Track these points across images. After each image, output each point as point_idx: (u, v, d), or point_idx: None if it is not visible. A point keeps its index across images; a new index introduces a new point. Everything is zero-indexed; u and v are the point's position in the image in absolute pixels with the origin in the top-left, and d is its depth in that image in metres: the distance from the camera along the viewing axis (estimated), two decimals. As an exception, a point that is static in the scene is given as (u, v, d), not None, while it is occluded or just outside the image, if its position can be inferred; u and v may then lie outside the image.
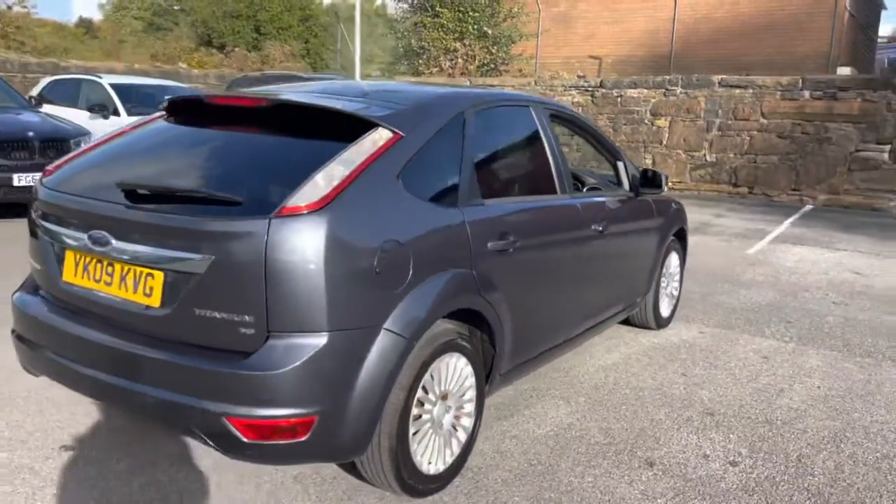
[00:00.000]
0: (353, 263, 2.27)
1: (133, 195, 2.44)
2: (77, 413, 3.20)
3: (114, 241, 2.39)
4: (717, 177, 12.44)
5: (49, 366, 2.69)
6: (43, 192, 2.74)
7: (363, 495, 2.65)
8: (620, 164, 4.20)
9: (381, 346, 2.34)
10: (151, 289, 2.34)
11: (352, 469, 2.70)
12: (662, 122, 12.89)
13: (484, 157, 3.06)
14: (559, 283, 3.42)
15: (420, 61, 19.38)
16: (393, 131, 2.51)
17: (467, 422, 2.81)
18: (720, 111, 12.31)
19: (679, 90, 12.70)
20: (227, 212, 2.26)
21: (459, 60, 18.71)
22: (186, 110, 3.04)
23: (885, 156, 11.03)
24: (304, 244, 2.16)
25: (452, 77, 17.67)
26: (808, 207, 11.40)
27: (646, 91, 13.03)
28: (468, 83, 15.69)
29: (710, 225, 9.54)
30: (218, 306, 2.22)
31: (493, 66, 18.72)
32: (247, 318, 2.19)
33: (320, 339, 2.21)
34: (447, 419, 2.71)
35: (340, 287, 2.22)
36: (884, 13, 23.71)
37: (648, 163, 13.01)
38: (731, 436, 3.25)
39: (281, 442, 2.23)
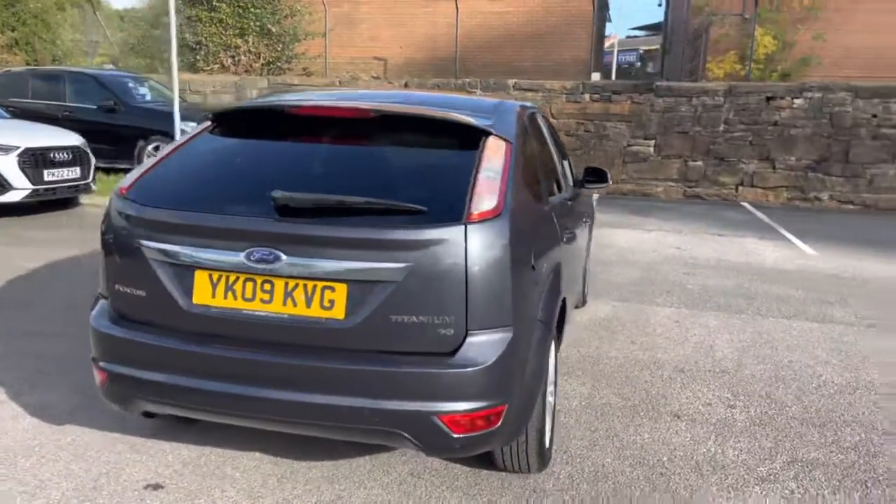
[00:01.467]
0: (523, 261, 2.54)
1: (288, 209, 2.43)
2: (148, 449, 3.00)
3: (284, 258, 2.38)
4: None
5: (172, 395, 2.55)
6: (149, 211, 2.57)
7: (487, 482, 2.92)
8: (566, 162, 4.78)
9: (537, 335, 2.64)
10: (332, 301, 2.38)
11: (464, 460, 2.92)
12: (465, 122, 13.84)
13: (539, 158, 3.42)
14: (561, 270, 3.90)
15: (198, 57, 18.40)
16: (505, 140, 2.77)
17: (551, 398, 3.18)
18: (516, 112, 13.57)
19: (479, 93, 13.73)
20: (416, 220, 2.38)
21: (243, 58, 18.13)
22: (267, 119, 2.98)
23: (651, 149, 13.07)
24: (494, 246, 2.38)
25: (237, 74, 17.10)
26: (596, 196, 13.10)
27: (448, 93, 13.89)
28: (266, 83, 15.38)
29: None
30: (416, 311, 2.34)
31: (277, 64, 18.41)
32: (447, 318, 2.35)
33: (508, 334, 2.45)
34: (550, 396, 3.06)
35: (518, 283, 2.48)
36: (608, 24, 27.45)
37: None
38: (711, 386, 4.00)
39: (480, 433, 2.43)
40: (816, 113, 12.29)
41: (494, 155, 2.65)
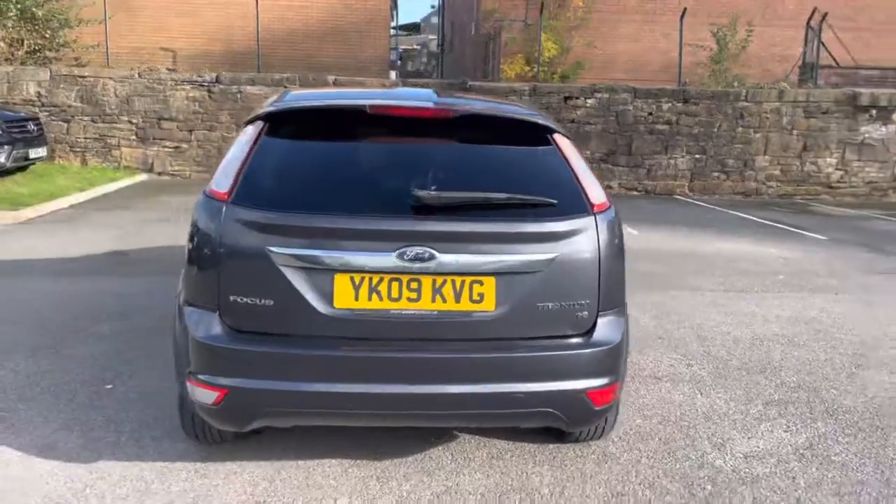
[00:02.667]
0: (624, 247, 2.87)
1: (429, 207, 2.51)
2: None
3: (438, 255, 2.47)
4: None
5: (310, 403, 2.53)
6: (280, 217, 2.51)
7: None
8: None
9: (624, 313, 2.98)
10: (481, 295, 2.53)
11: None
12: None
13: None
14: None
15: (-58, 43, 15.74)
16: (566, 136, 3.07)
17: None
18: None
19: (296, 88, 13.53)
20: (550, 212, 2.61)
21: (2, 44, 15.88)
22: (338, 119, 2.95)
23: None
24: (613, 233, 2.71)
25: (-2, 63, 14.98)
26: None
27: (266, 88, 13.49)
28: (47, 74, 13.72)
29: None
30: (559, 297, 2.59)
31: (44, 53, 16.39)
32: (584, 302, 2.63)
33: (623, 313, 2.79)
34: None
35: (624, 267, 2.82)
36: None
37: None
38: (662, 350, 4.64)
39: (608, 405, 2.75)
40: (605, 111, 13.97)
41: (570, 150, 2.93)
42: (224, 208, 2.55)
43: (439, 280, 2.51)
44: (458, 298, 2.52)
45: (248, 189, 2.59)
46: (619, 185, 14.04)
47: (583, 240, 2.60)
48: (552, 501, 2.80)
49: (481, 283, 2.53)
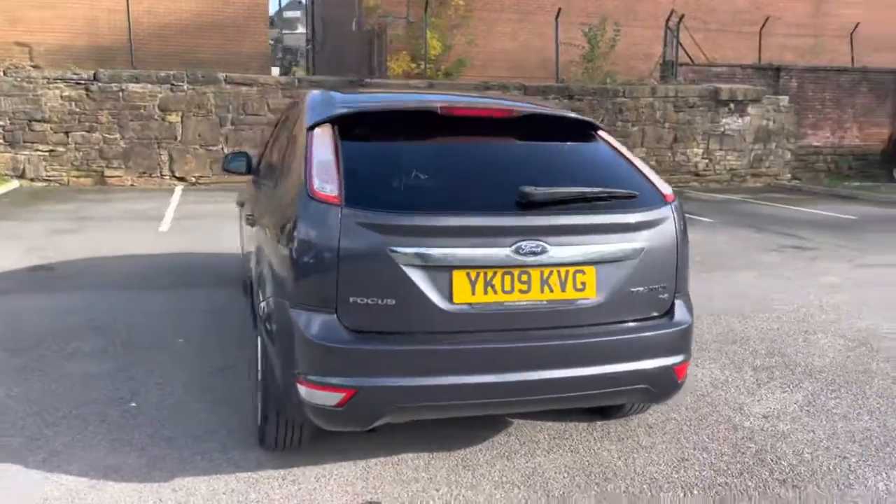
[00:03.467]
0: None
1: (533, 203, 2.67)
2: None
3: (549, 248, 2.64)
4: (237, 168, 13.34)
5: (436, 396, 2.62)
6: (402, 217, 2.58)
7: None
8: None
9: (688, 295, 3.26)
10: (584, 283, 2.73)
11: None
12: (174, 118, 12.94)
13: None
14: None
15: None
16: (607, 131, 3.34)
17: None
18: (230, 107, 13.16)
19: (186, 86, 12.95)
20: (635, 204, 2.84)
21: None
22: (408, 119, 3.06)
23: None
24: (684, 221, 2.99)
25: None
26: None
27: (150, 86, 12.80)
28: None
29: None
30: (648, 282, 2.84)
31: None
32: (665, 285, 2.90)
33: (687, 297, 3.07)
34: None
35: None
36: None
37: (165, 159, 12.93)
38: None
39: (685, 378, 3.02)
40: (498, 108, 14.46)
41: (619, 145, 3.20)
42: (340, 211, 2.56)
43: (546, 271, 2.67)
44: (563, 288, 2.70)
45: (358, 191, 2.62)
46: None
47: (665, 228, 2.86)
48: (630, 471, 3.05)
49: (583, 273, 2.72)
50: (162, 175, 13.02)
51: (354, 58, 19.61)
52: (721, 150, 15.80)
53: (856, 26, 20.29)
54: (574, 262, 2.70)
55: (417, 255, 2.55)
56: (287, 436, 2.98)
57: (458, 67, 17.62)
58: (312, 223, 2.59)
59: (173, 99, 12.94)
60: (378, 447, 3.17)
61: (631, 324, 2.84)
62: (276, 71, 18.97)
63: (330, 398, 2.58)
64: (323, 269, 2.57)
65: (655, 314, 2.90)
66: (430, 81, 14.50)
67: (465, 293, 2.60)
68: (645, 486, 2.93)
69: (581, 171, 3.04)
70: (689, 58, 18.60)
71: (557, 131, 3.21)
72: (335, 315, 2.58)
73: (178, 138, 13.03)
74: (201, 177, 13.11)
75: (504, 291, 2.64)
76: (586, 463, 3.12)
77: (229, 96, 13.17)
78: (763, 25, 19.80)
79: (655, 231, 2.84)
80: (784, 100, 16.54)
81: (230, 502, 2.76)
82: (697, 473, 3.04)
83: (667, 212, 2.89)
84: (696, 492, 2.89)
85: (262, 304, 2.88)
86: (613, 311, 2.79)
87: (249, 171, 5.09)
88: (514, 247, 2.61)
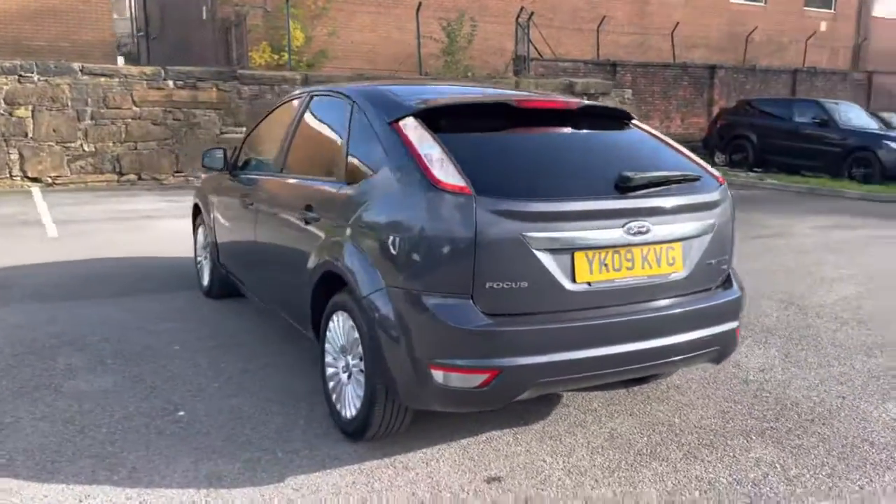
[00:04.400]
0: None
1: (632, 186, 2.93)
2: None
3: (652, 228, 2.92)
4: (101, 166, 12.32)
5: (568, 370, 2.82)
6: (534, 204, 2.73)
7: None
8: None
9: None
10: (674, 259, 3.04)
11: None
12: (24, 112, 11.69)
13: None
14: None
15: None
16: (639, 121, 3.68)
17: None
18: (90, 100, 12.11)
19: (37, 77, 11.74)
20: (702, 186, 3.18)
21: None
22: (488, 113, 3.23)
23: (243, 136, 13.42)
24: (733, 201, 3.38)
25: None
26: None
27: (-5, 76, 11.46)
28: None
29: (158, 212, 10.12)
30: (716, 254, 3.19)
31: None
32: (725, 258, 3.28)
33: (733, 268, 3.48)
34: None
35: None
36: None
37: (14, 158, 11.67)
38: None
39: (739, 340, 3.42)
40: (374, 100, 14.51)
41: (659, 134, 3.55)
42: (474, 200, 2.67)
43: (646, 249, 2.95)
44: (659, 263, 2.99)
45: (484, 181, 2.73)
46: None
47: (726, 206, 3.24)
48: (690, 425, 3.42)
49: (673, 249, 3.03)
50: (12, 176, 11.72)
51: (207, 49, 18.61)
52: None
53: (676, 26, 22.54)
54: (668, 239, 3.00)
55: (547, 239, 2.73)
56: (392, 424, 3.04)
57: (320, 59, 17.40)
58: (446, 213, 2.66)
59: (22, 91, 11.67)
60: (455, 430, 3.29)
61: (706, 293, 3.19)
62: (121, 60, 17.56)
63: (471, 380, 2.69)
64: (459, 256, 2.66)
65: (719, 284, 3.28)
66: (305, 74, 14.24)
67: (585, 272, 2.82)
68: (712, 437, 3.31)
69: (648, 156, 3.33)
70: (539, 53, 19.72)
71: (606, 120, 3.49)
72: (471, 300, 2.69)
73: (30, 135, 11.78)
74: (58, 177, 11.97)
75: (614, 269, 2.88)
76: (650, 422, 3.45)
77: (87, 88, 12.11)
78: (600, 24, 21.44)
79: (721, 209, 3.21)
80: (629, 92, 18.07)
81: (360, 493, 2.79)
82: (743, 422, 3.47)
83: (725, 192, 3.28)
84: (754, 437, 3.32)
85: (368, 296, 2.89)
86: (694, 282, 3.13)
87: (225, 167, 4.92)
88: (624, 227, 2.86)
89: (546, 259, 2.74)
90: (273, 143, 4.37)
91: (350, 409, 3.14)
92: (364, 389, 3.01)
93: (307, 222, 3.45)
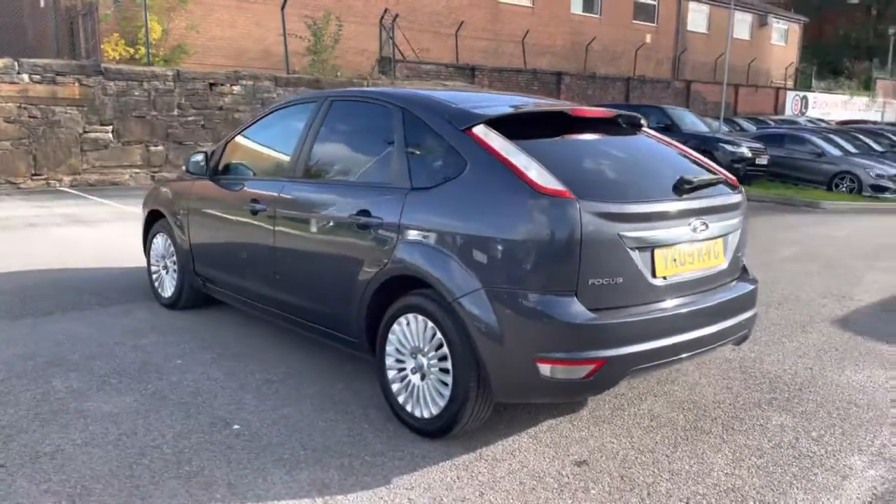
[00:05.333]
0: None
1: (688, 189, 3.26)
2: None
3: (710, 225, 3.28)
4: (-54, 168, 10.93)
5: (658, 356, 3.09)
6: (628, 206, 3.01)
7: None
8: None
9: None
10: (718, 253, 3.42)
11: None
12: None
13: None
14: None
15: None
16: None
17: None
18: (-70, 93, 10.72)
19: None
20: (731, 188, 3.59)
21: None
22: (546, 121, 3.47)
23: (110, 135, 12.46)
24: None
25: None
26: (68, 189, 11.76)
27: None
28: None
29: (39, 219, 9.30)
30: (740, 249, 3.61)
31: None
32: (743, 251, 3.71)
33: None
34: None
35: None
36: None
37: None
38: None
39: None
40: (252, 98, 14.08)
41: (669, 139, 3.94)
42: (577, 204, 2.87)
43: (703, 245, 3.29)
44: (710, 257, 3.35)
45: (581, 185, 2.94)
46: (270, 171, 14.35)
47: (744, 205, 3.68)
48: (707, 402, 3.82)
49: (717, 244, 3.40)
50: None
51: (47, 39, 16.89)
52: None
53: (526, 33, 23.80)
54: (716, 235, 3.37)
55: (637, 238, 2.99)
56: (477, 420, 3.16)
57: (178, 54, 16.49)
58: (552, 216, 2.83)
59: None
60: (513, 421, 3.47)
61: (736, 283, 3.61)
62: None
63: (578, 371, 2.89)
64: (566, 256, 2.85)
65: (740, 275, 3.72)
66: (176, 70, 13.46)
67: (663, 268, 3.11)
68: (733, 410, 3.73)
69: (682, 160, 3.69)
70: (402, 55, 20.02)
71: (632, 127, 3.82)
72: (575, 296, 2.90)
73: None
74: None
75: (682, 264, 3.21)
76: (676, 401, 3.83)
77: (-74, 80, 10.71)
78: (458, 29, 22.13)
79: (743, 208, 3.65)
80: (494, 96, 18.80)
81: (470, 487, 2.89)
82: (749, 395, 3.93)
83: (743, 193, 3.72)
84: (765, 406, 3.80)
85: (461, 298, 2.99)
86: (730, 273, 3.53)
87: (206, 172, 4.71)
88: (690, 226, 3.20)
89: (636, 256, 3.00)
90: (279, 149, 4.27)
91: (429, 408, 3.22)
92: (451, 388, 3.10)
93: (363, 227, 3.46)
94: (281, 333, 4.62)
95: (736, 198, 3.60)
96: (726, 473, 3.07)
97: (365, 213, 3.45)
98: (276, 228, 4.00)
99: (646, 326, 3.04)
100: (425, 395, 3.25)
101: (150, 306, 5.23)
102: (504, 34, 24.11)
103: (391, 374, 3.41)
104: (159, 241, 5.23)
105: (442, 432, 3.21)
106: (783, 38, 36.92)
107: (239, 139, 4.69)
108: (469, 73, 21.30)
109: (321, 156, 3.96)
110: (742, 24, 32.88)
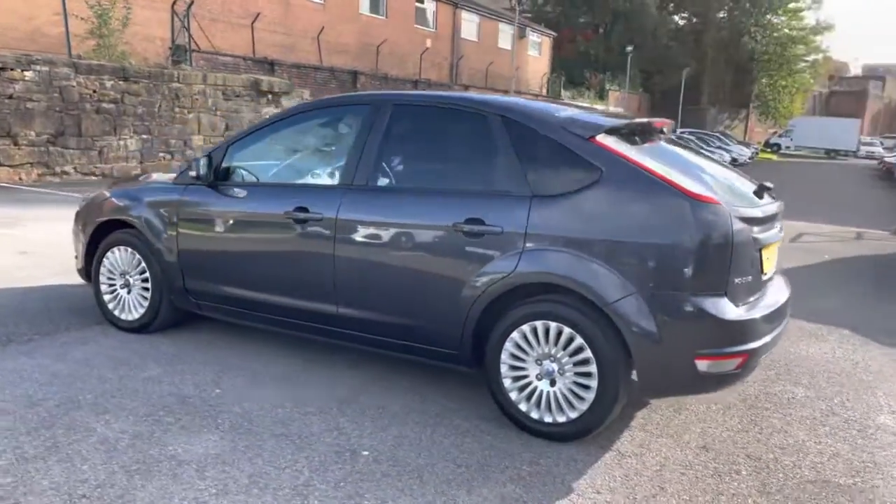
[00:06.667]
0: None
1: (762, 194, 3.62)
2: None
3: (777, 226, 3.69)
4: None
5: (773, 343, 3.42)
6: (752, 210, 3.33)
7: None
8: None
9: None
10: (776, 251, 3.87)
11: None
12: None
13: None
14: None
15: None
16: None
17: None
18: None
19: None
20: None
21: None
22: (638, 130, 3.70)
23: None
24: None
25: None
26: None
27: None
28: None
29: None
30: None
31: None
32: None
33: None
34: None
35: None
36: None
37: None
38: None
39: None
40: (48, 87, 12.29)
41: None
42: (727, 209, 3.10)
43: (778, 244, 3.69)
44: (776, 255, 3.75)
45: (712, 191, 3.21)
46: (74, 169, 12.69)
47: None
48: (742, 395, 4.09)
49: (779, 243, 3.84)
50: None
51: None
52: (261, 138, 16.65)
53: (321, 30, 23.50)
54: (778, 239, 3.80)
55: (761, 239, 3.33)
56: (614, 419, 3.29)
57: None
58: (709, 222, 3.05)
59: None
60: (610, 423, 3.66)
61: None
62: None
63: (730, 364, 3.13)
64: (721, 258, 3.08)
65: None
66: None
67: (766, 266, 3.47)
68: (768, 396, 4.25)
69: (725, 166, 4.08)
70: (197, 45, 18.68)
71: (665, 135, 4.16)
72: (726, 296, 3.15)
73: None
74: None
75: (771, 262, 3.58)
76: (717, 395, 4.26)
77: None
78: (254, 20, 21.18)
79: None
80: (307, 93, 18.35)
81: (642, 477, 3.03)
82: (770, 383, 4.44)
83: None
84: (791, 386, 4.38)
85: (614, 303, 3.09)
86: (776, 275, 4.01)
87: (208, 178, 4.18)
88: (777, 227, 3.61)
89: (758, 256, 3.34)
90: (319, 155, 3.97)
91: (564, 413, 3.26)
92: (597, 390, 3.19)
93: (474, 235, 3.37)
94: (288, 348, 4.28)
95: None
96: (782, 432, 3.56)
97: (476, 221, 3.37)
98: (338, 237, 3.70)
99: (769, 319, 3.37)
100: (558, 401, 3.29)
101: (107, 331, 4.49)
102: (298, 29, 23.52)
103: (507, 382, 3.39)
104: (120, 256, 4.49)
105: (579, 435, 3.28)
106: (538, 50, 40.57)
107: (247, 143, 4.21)
108: (269, 68, 20.52)
109: (392, 163, 3.75)
110: (505, 34, 35.52)
